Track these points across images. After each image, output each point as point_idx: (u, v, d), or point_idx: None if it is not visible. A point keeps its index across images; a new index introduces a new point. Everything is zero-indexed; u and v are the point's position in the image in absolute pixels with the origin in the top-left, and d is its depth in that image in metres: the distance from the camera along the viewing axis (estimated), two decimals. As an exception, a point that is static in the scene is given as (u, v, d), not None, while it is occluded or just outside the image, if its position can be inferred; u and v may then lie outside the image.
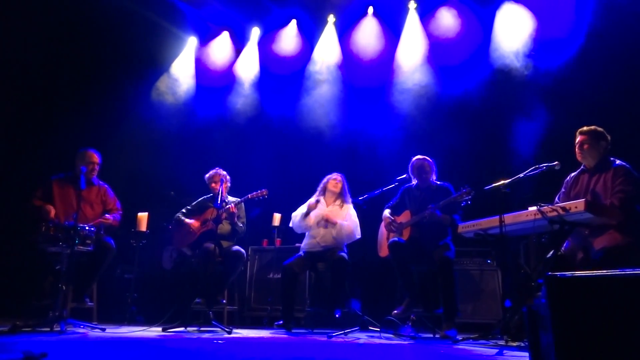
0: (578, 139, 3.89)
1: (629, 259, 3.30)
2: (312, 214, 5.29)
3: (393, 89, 7.10)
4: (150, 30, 7.46)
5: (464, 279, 5.38)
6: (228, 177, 5.45)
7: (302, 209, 5.38)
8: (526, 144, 5.55)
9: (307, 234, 5.33)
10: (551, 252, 3.52)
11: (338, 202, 5.35)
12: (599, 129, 3.85)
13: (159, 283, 6.28)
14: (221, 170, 5.48)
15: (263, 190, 5.08)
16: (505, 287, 5.22)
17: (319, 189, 5.48)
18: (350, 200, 5.36)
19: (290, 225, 5.46)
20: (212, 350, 3.06)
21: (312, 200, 5.42)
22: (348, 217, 5.22)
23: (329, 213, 5.24)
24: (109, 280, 6.02)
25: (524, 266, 3.79)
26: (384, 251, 5.04)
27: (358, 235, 5.17)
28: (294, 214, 5.42)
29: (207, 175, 5.51)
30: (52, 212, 4.74)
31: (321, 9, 7.76)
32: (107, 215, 5.11)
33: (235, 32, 8.20)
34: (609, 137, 3.84)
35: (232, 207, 5.05)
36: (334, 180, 5.39)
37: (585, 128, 3.88)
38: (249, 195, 5.09)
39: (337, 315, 4.93)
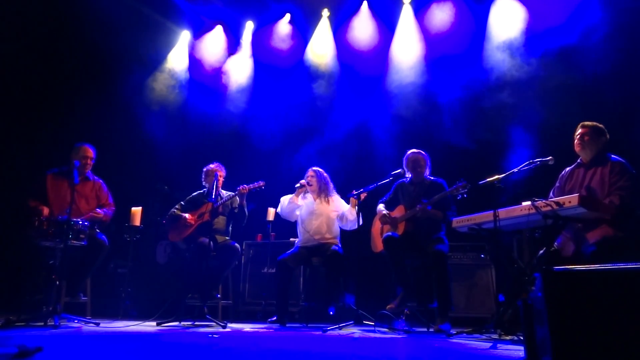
0: (579, 131, 3.93)
1: (621, 253, 3.34)
2: (304, 204, 5.31)
3: (387, 83, 7.10)
4: (144, 24, 7.43)
5: (457, 274, 5.41)
6: (223, 171, 5.43)
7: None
8: (520, 139, 5.56)
9: (300, 228, 5.33)
10: (544, 247, 3.55)
11: (322, 196, 5.33)
12: (600, 125, 3.91)
13: (153, 278, 6.27)
14: (217, 165, 5.46)
15: (260, 182, 5.06)
16: (498, 281, 5.25)
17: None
18: (334, 191, 5.37)
19: (278, 210, 5.46)
20: (207, 344, 3.06)
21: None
22: (343, 206, 5.24)
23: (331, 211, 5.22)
24: (103, 275, 6.01)
25: (517, 260, 3.81)
26: (377, 246, 5.05)
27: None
28: (282, 199, 5.42)
29: (205, 169, 5.50)
30: (46, 212, 4.69)
31: (316, 3, 7.74)
32: (97, 210, 5.06)
33: (229, 26, 8.17)
34: (607, 135, 3.89)
35: (243, 188, 5.02)
36: (309, 177, 5.37)
37: (587, 122, 3.93)
38: (247, 187, 5.05)
39: (331, 313, 4.94)
